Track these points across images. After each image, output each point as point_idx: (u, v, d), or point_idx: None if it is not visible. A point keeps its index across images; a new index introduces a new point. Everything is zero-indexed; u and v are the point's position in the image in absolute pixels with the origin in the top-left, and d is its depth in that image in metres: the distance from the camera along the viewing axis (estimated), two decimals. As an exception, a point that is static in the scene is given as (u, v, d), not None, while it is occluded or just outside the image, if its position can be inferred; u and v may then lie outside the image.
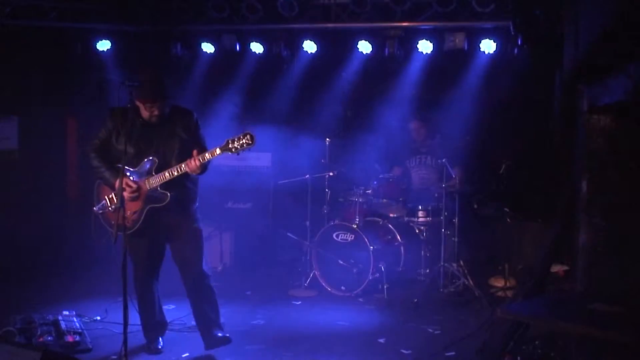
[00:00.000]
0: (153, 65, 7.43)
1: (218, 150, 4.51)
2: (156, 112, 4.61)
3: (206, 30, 7.47)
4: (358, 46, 7.23)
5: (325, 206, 7.09)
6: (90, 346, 5.02)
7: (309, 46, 7.36)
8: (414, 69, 7.56)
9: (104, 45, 7.44)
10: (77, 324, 5.29)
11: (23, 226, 7.34)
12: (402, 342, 5.29)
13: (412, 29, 6.98)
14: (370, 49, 7.24)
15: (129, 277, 4.29)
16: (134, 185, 4.63)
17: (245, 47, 7.50)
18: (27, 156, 7.59)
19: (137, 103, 4.59)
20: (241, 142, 4.45)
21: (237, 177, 7.74)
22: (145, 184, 4.67)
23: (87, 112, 8.00)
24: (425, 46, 7.06)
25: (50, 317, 5.33)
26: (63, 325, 5.17)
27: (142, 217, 4.69)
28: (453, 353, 5.04)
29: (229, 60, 7.76)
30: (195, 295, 4.92)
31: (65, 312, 5.50)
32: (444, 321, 5.86)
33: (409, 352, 5.09)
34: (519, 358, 4.41)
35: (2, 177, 7.32)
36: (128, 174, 4.65)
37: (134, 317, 5.10)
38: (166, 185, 4.64)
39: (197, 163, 4.50)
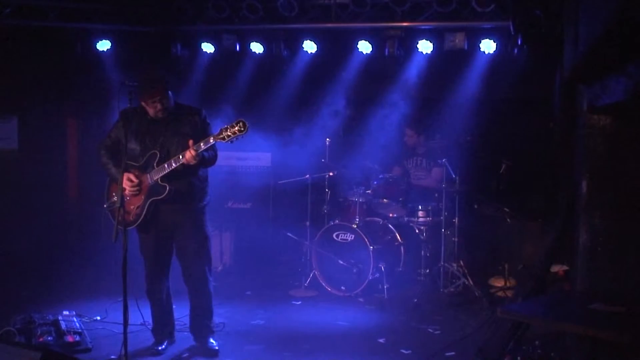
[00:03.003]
0: (153, 65, 7.44)
1: (212, 139, 4.59)
2: (159, 107, 4.72)
3: (206, 30, 7.47)
4: (358, 46, 7.22)
5: (325, 206, 7.09)
6: (90, 346, 5.02)
7: (309, 46, 7.36)
8: (414, 69, 7.56)
9: (104, 45, 7.44)
10: (77, 324, 5.29)
11: (23, 226, 7.34)
12: (402, 342, 5.29)
13: (412, 29, 6.97)
14: (370, 49, 7.24)
15: (129, 276, 4.30)
16: (135, 180, 4.73)
17: (245, 47, 7.50)
18: (27, 156, 7.59)
19: (142, 103, 4.75)
20: (234, 129, 4.51)
21: (237, 177, 7.74)
22: (147, 177, 4.77)
23: (87, 112, 8.02)
24: (425, 46, 7.06)
25: (50, 317, 5.33)
26: (63, 325, 5.17)
27: (144, 211, 4.77)
28: (453, 353, 5.04)
29: (229, 60, 7.76)
30: (192, 297, 5.04)
31: (65, 312, 5.50)
32: (444, 321, 5.86)
33: (409, 352, 5.09)
34: (519, 358, 4.41)
35: (2, 177, 7.32)
36: (133, 169, 4.78)
37: (134, 317, 5.11)
38: (167, 178, 4.73)
39: (192, 152, 4.57)
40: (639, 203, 3.85)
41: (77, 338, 5.01)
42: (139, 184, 4.76)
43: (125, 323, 4.22)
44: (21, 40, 7.20)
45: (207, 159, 4.77)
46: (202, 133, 4.79)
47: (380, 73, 7.82)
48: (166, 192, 4.72)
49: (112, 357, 4.84)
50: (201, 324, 5.04)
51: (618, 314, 3.40)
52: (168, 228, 4.89)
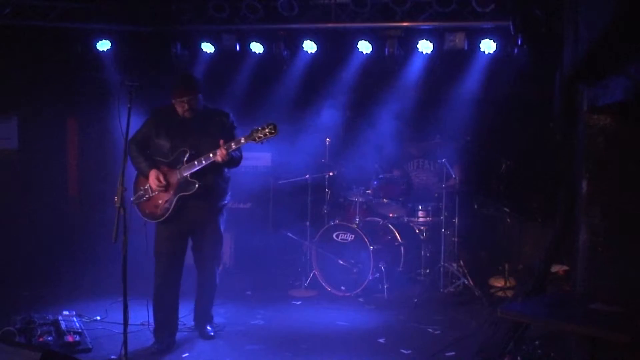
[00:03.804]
0: (153, 65, 7.44)
1: (243, 139, 4.81)
2: (186, 107, 4.95)
3: (206, 30, 7.47)
4: (358, 46, 7.23)
5: (325, 206, 7.09)
6: (90, 346, 5.02)
7: (309, 46, 7.36)
8: (414, 69, 7.56)
9: (104, 45, 7.43)
10: (77, 324, 5.29)
11: (23, 226, 7.34)
12: (402, 342, 5.29)
13: (412, 29, 6.97)
14: (370, 49, 7.24)
15: (129, 276, 4.30)
16: (163, 182, 4.95)
17: (245, 47, 7.50)
18: (27, 156, 7.59)
19: (173, 101, 5.00)
20: (265, 131, 4.72)
21: (237, 177, 7.72)
22: (176, 173, 4.96)
23: (87, 112, 8.01)
24: (425, 46, 7.06)
25: (50, 317, 5.33)
26: (63, 325, 5.17)
27: (173, 206, 4.98)
28: (453, 353, 5.04)
29: (229, 60, 7.76)
30: (202, 291, 5.31)
31: (65, 312, 5.51)
32: (444, 321, 5.86)
33: (409, 352, 5.09)
34: (519, 358, 4.41)
35: (2, 177, 7.32)
36: (162, 165, 5.01)
37: (134, 317, 5.11)
38: (196, 175, 4.92)
39: (224, 152, 4.78)
40: (639, 203, 3.85)
41: (77, 338, 5.01)
42: (167, 182, 4.96)
43: (125, 323, 4.22)
44: (21, 40, 7.20)
45: (234, 159, 5.02)
46: (229, 135, 5.02)
47: (380, 73, 7.82)
48: (195, 188, 4.92)
49: (112, 357, 4.84)
50: (204, 313, 5.36)
51: (618, 314, 3.39)
52: (189, 223, 5.08)
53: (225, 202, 5.24)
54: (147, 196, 5.06)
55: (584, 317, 3.43)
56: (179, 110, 4.98)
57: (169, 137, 5.01)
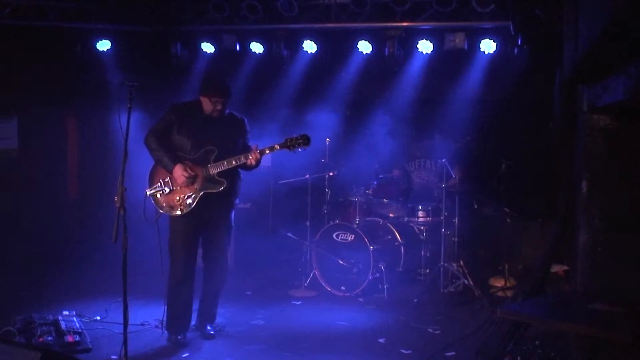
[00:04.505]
0: (153, 65, 7.45)
1: (277, 147, 4.97)
2: (219, 107, 5.03)
3: (206, 30, 7.47)
4: (358, 46, 7.23)
5: (325, 206, 7.09)
6: (90, 346, 5.02)
7: (309, 46, 7.36)
8: (414, 69, 7.56)
9: (104, 45, 7.44)
10: (77, 324, 5.29)
11: (23, 226, 7.34)
12: (402, 342, 5.29)
13: (412, 29, 6.97)
14: (370, 49, 7.24)
15: (129, 276, 4.30)
16: (190, 173, 4.98)
17: (245, 47, 7.50)
18: (27, 156, 7.60)
19: (202, 98, 5.05)
20: (299, 141, 4.91)
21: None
22: (202, 170, 5.01)
23: (87, 112, 8.01)
24: (425, 46, 7.06)
25: (50, 317, 5.33)
26: (63, 325, 5.17)
27: (196, 201, 5.00)
28: (453, 353, 5.04)
29: (229, 60, 7.76)
30: (206, 285, 5.30)
31: (65, 312, 5.51)
32: (444, 321, 5.86)
33: (409, 352, 5.09)
34: (519, 358, 4.41)
35: (2, 177, 7.32)
36: (187, 160, 5.04)
37: (134, 317, 5.12)
38: (223, 174, 5.02)
39: (258, 156, 4.95)
40: (639, 203, 3.84)
41: (77, 338, 5.01)
42: (194, 176, 5.00)
43: (125, 323, 4.22)
44: (21, 40, 7.20)
45: (259, 163, 5.09)
46: (244, 139, 5.22)
47: (380, 73, 7.82)
48: (223, 186, 5.00)
49: (112, 357, 4.84)
50: (208, 312, 5.36)
51: (618, 314, 3.39)
52: (205, 219, 5.12)
53: (239, 201, 5.37)
54: (167, 189, 5.08)
55: (584, 317, 3.43)
56: (209, 108, 5.03)
57: (192, 134, 5.04)
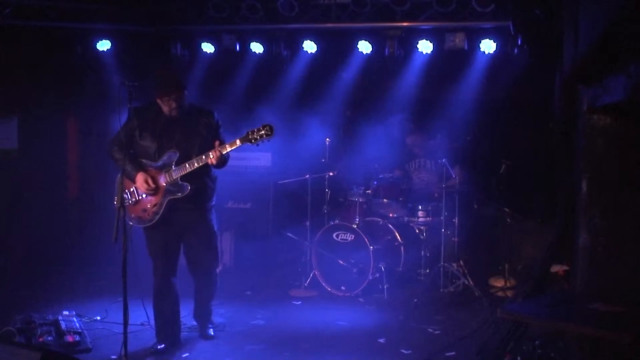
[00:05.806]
0: (153, 65, 7.44)
1: (238, 142, 4.73)
2: (174, 105, 4.79)
3: (206, 30, 7.47)
4: (358, 46, 7.22)
5: (325, 206, 7.09)
6: (90, 346, 5.02)
7: (309, 46, 7.36)
8: (414, 69, 7.56)
9: (104, 45, 7.43)
10: (77, 324, 5.29)
11: (23, 226, 7.34)
12: (402, 342, 5.29)
13: (412, 29, 6.97)
14: (370, 49, 7.24)
15: (129, 276, 4.30)
16: (152, 185, 4.79)
17: (245, 47, 7.50)
18: (27, 156, 7.59)
19: (158, 100, 4.81)
20: (260, 132, 4.66)
21: (237, 177, 7.74)
22: (165, 176, 4.83)
23: (87, 112, 8.00)
24: (425, 46, 7.06)
25: (50, 317, 5.34)
26: (63, 325, 5.17)
27: (162, 209, 4.84)
28: (453, 353, 5.04)
29: (229, 60, 7.76)
30: (199, 290, 5.22)
31: (65, 312, 5.51)
32: (444, 321, 5.86)
33: (409, 352, 5.09)
34: (519, 358, 4.41)
35: (2, 177, 7.32)
36: (149, 167, 4.85)
37: (134, 317, 5.11)
38: (186, 177, 4.79)
39: (218, 154, 4.69)
40: (639, 203, 3.84)
41: (77, 338, 5.02)
42: (156, 186, 4.82)
43: (125, 323, 4.22)
44: (21, 40, 7.20)
45: (225, 160, 4.88)
46: (214, 134, 4.91)
47: (380, 73, 7.82)
48: (187, 190, 4.80)
49: (112, 357, 4.84)
50: (203, 313, 5.32)
51: (618, 314, 3.39)
52: (178, 226, 4.95)
53: (214, 202, 5.10)
54: (133, 200, 4.91)
55: (584, 317, 3.43)
56: (166, 108, 4.82)
57: (155, 138, 4.84)
